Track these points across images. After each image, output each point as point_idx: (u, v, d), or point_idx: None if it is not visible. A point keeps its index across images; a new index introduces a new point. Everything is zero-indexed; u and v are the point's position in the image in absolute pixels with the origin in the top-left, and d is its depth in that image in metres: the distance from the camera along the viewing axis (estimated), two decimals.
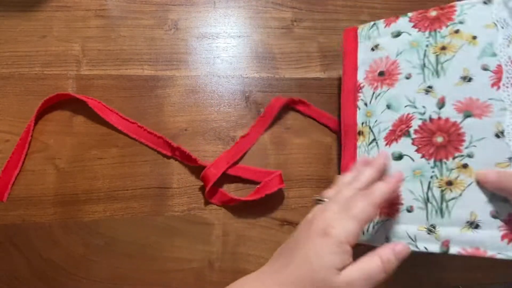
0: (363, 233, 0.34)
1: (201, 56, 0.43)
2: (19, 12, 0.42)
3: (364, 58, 0.39)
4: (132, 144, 0.40)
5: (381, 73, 0.37)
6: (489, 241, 0.30)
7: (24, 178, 0.38)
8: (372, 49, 0.38)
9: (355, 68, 0.39)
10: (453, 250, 0.31)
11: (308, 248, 0.27)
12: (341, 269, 0.26)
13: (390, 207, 0.34)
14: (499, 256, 0.30)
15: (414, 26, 0.36)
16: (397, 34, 0.37)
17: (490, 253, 0.30)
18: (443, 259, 0.41)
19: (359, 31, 0.40)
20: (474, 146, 0.32)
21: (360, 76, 0.39)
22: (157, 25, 0.43)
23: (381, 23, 0.39)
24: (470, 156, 0.32)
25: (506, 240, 0.30)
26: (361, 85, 0.38)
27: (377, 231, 0.34)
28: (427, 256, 0.33)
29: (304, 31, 0.46)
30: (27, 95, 0.39)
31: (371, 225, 0.34)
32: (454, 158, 0.32)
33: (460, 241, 0.31)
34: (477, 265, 0.43)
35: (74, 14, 0.43)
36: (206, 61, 0.43)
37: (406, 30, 0.37)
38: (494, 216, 0.31)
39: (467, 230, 0.31)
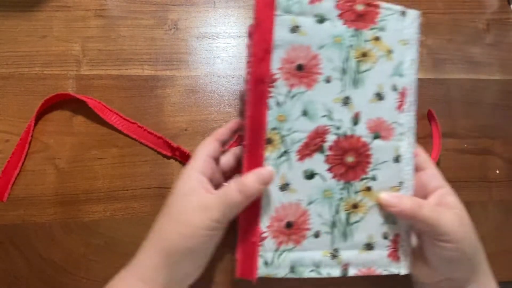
0: (266, 265, 0.31)
1: (201, 56, 0.43)
2: (19, 12, 0.42)
3: (281, 39, 0.31)
4: (132, 144, 0.40)
5: (300, 67, 0.31)
6: (378, 260, 0.33)
7: (24, 178, 0.38)
8: (292, 30, 0.31)
9: (268, 50, 0.30)
10: (351, 272, 0.32)
11: (165, 205, 0.31)
12: (194, 195, 0.29)
13: (297, 234, 0.32)
14: (384, 273, 0.33)
15: (340, 16, 0.32)
16: (321, 20, 0.31)
17: (378, 271, 0.33)
18: None
19: None
20: (378, 169, 0.33)
21: (275, 64, 0.31)
22: (157, 25, 0.43)
23: None
24: (373, 179, 0.33)
25: (390, 258, 0.33)
26: (275, 76, 0.31)
27: (281, 262, 0.31)
28: None
29: None
30: (27, 95, 0.39)
31: (276, 255, 0.31)
32: (360, 180, 0.32)
33: (357, 263, 0.32)
34: None
35: (74, 14, 0.43)
36: (206, 61, 0.43)
37: (331, 18, 0.32)
38: (385, 237, 0.33)
39: (363, 251, 0.33)
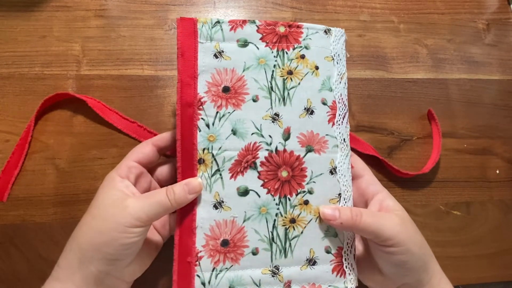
0: (203, 286, 0.30)
1: None
2: (19, 12, 0.42)
3: (205, 64, 0.32)
4: (132, 144, 0.40)
5: (226, 89, 0.32)
6: (322, 275, 0.32)
7: (24, 178, 0.38)
8: (216, 56, 0.32)
9: (194, 76, 0.32)
10: None
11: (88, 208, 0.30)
12: (117, 194, 0.29)
13: (235, 252, 0.31)
14: None
15: (262, 39, 0.33)
16: (244, 44, 0.33)
17: (324, 287, 0.32)
18: (443, 259, 0.41)
19: (199, 26, 0.33)
20: (314, 182, 0.33)
21: (201, 88, 0.32)
22: (157, 25, 0.44)
23: (226, 23, 0.33)
24: (310, 192, 0.33)
25: (335, 273, 0.32)
26: (203, 99, 0.32)
27: (219, 282, 0.30)
28: None
29: None
30: (27, 95, 0.39)
31: (213, 275, 0.30)
32: (297, 194, 0.32)
33: (300, 279, 0.32)
34: (476, 265, 0.43)
35: (74, 14, 0.43)
36: None
37: (253, 41, 0.33)
38: (327, 251, 0.32)
39: (306, 267, 0.32)
